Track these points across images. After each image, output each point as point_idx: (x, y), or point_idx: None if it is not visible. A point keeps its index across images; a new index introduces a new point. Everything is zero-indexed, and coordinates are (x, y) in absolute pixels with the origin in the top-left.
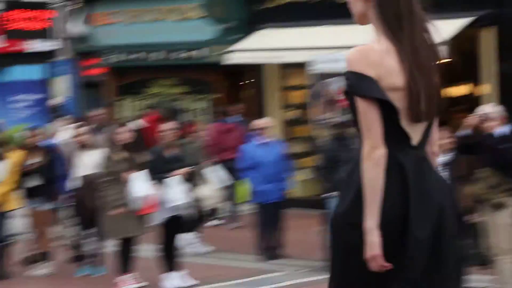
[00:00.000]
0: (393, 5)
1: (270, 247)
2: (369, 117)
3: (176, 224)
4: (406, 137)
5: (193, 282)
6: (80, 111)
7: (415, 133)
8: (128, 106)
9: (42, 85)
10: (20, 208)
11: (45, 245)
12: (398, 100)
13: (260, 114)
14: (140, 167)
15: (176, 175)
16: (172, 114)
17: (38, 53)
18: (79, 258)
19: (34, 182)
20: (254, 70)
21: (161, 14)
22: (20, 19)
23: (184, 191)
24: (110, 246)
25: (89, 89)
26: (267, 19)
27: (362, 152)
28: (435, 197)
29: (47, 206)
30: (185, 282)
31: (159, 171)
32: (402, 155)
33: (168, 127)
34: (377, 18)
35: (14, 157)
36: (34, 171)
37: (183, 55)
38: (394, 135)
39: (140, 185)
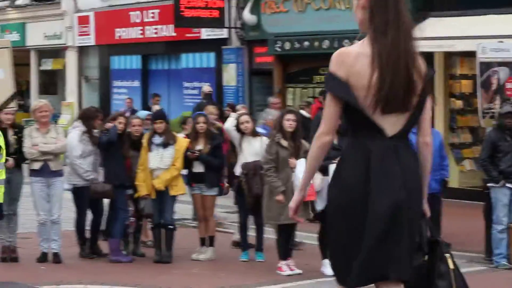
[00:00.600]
0: (382, 12)
1: None
2: (329, 109)
3: None
4: (376, 128)
5: None
6: (249, 98)
7: (389, 125)
8: (294, 95)
9: (212, 73)
10: (185, 193)
11: (209, 230)
12: (364, 97)
13: None
14: (304, 154)
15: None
16: None
17: (210, 40)
18: (242, 244)
19: (199, 168)
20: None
21: (330, 3)
22: (196, 7)
23: None
24: (272, 232)
25: (258, 77)
26: (435, 8)
27: (316, 133)
28: (397, 179)
29: (212, 192)
30: None
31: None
32: (371, 143)
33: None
34: (368, 23)
35: (181, 143)
36: (200, 158)
37: (350, 43)
38: (365, 126)
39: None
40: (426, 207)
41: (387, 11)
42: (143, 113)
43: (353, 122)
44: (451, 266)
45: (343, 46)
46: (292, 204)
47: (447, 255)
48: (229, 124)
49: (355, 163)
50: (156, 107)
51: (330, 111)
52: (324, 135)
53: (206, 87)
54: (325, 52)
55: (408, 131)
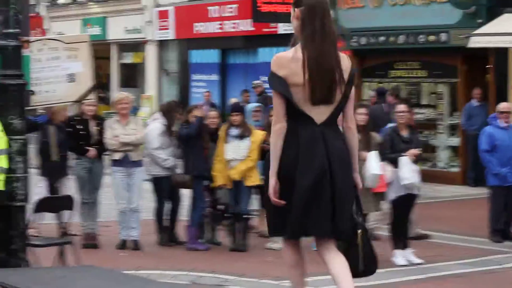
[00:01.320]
0: (310, 23)
1: (501, 229)
2: (275, 102)
3: (407, 203)
4: (307, 117)
5: (419, 260)
6: None
7: (319, 114)
8: (370, 89)
9: None
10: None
11: None
12: (299, 92)
13: (501, 99)
14: (374, 147)
15: (408, 155)
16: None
17: (287, 35)
18: None
19: None
20: (496, 54)
21: None
22: (273, 2)
23: (415, 171)
24: None
25: None
26: (509, 4)
27: (272, 123)
28: (321, 158)
29: None
30: (412, 260)
31: (393, 151)
32: (302, 128)
33: (402, 109)
34: (298, 32)
35: (257, 135)
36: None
37: (425, 38)
38: (297, 115)
39: (375, 164)
40: (358, 180)
41: (314, 22)
42: (252, 106)
43: (290, 112)
44: (359, 241)
45: (418, 41)
46: (270, 189)
47: (359, 231)
48: None
49: (290, 145)
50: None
51: (276, 104)
52: (276, 123)
53: (259, 82)
54: (401, 47)
55: (335, 118)
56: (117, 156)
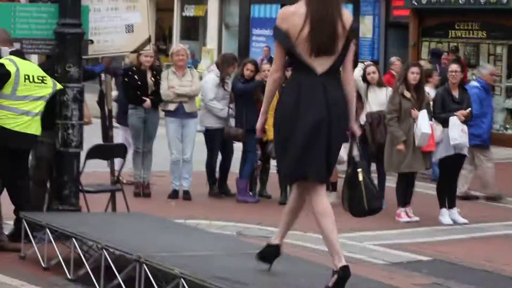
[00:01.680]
0: None
1: None
2: (276, 52)
3: (455, 163)
4: (308, 67)
5: (463, 220)
6: (384, 51)
7: (320, 65)
8: (429, 48)
9: None
10: None
11: (334, 175)
12: (301, 43)
13: None
14: (426, 106)
15: (458, 115)
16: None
17: None
18: None
19: None
20: None
21: None
22: None
23: (464, 131)
24: (392, 179)
25: (394, 30)
26: None
27: (270, 71)
28: (321, 108)
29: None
30: (457, 219)
31: (444, 111)
32: (303, 77)
33: (455, 69)
34: None
35: None
36: None
37: None
38: (300, 66)
39: (425, 123)
40: (355, 128)
41: None
42: None
43: (293, 63)
44: (360, 178)
45: (479, 2)
46: (258, 126)
47: (359, 169)
48: (356, 74)
49: (290, 92)
50: None
51: (277, 54)
52: (274, 72)
53: None
54: (461, 8)
55: (335, 69)
56: (172, 107)
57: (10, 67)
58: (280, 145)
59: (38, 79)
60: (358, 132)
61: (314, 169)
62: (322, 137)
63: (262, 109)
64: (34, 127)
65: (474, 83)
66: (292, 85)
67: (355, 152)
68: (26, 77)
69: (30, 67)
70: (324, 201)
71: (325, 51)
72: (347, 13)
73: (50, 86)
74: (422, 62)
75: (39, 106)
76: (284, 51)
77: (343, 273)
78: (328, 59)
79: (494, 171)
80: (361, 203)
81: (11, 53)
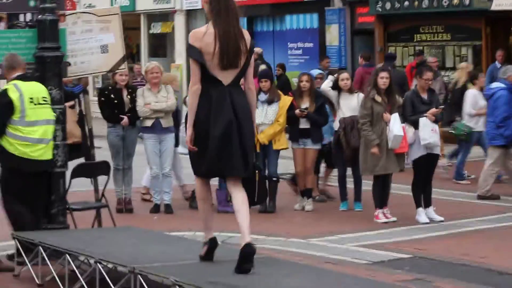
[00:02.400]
0: (216, 5)
1: None
2: (192, 68)
3: (428, 163)
4: (217, 79)
5: (440, 218)
6: (351, 57)
7: (226, 77)
8: (396, 53)
9: (316, 33)
10: (287, 148)
11: (308, 183)
12: (210, 59)
13: None
14: (397, 109)
15: (428, 116)
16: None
17: (313, 2)
18: (341, 194)
19: (306, 124)
20: None
21: None
22: None
23: (435, 131)
24: (368, 182)
25: (359, 37)
26: None
27: (189, 85)
28: (229, 112)
29: (316, 146)
30: (433, 218)
31: (414, 113)
32: (212, 89)
33: (430, 77)
34: (209, 12)
35: (284, 100)
36: (308, 116)
37: (449, 2)
38: (210, 78)
39: (397, 125)
40: (254, 128)
41: (220, 4)
42: (314, 72)
43: (204, 76)
44: (257, 178)
45: (442, 5)
46: (187, 138)
47: (257, 171)
48: (325, 85)
49: (203, 103)
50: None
51: (193, 69)
52: (194, 85)
53: (258, 49)
54: (425, 12)
55: (239, 80)
56: (149, 123)
57: (13, 94)
58: (198, 149)
59: (43, 100)
60: (255, 132)
61: (231, 167)
62: (234, 136)
63: (188, 122)
64: (49, 153)
65: (498, 85)
66: (204, 97)
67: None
68: (31, 100)
69: (34, 89)
70: (242, 192)
71: (231, 65)
72: (247, 33)
73: None
74: (463, 64)
75: (50, 130)
76: (199, 66)
77: (249, 249)
78: (233, 72)
79: None
80: (252, 196)
81: (16, 77)
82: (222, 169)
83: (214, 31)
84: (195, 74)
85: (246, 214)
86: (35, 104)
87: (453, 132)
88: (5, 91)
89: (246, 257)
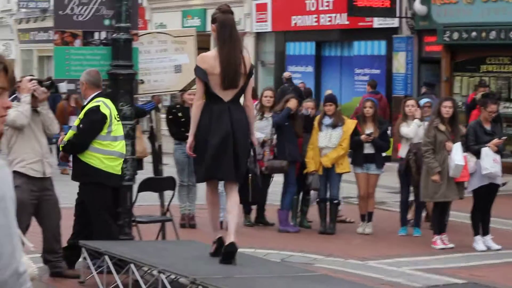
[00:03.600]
0: (222, 34)
1: None
2: (198, 86)
3: (488, 192)
4: (218, 97)
5: (497, 246)
6: (417, 86)
7: (226, 95)
8: (461, 83)
9: (383, 60)
10: (350, 172)
11: (370, 206)
12: (214, 79)
13: None
14: (460, 138)
15: (490, 146)
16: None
17: (381, 29)
18: (401, 220)
19: (370, 149)
20: None
21: None
22: None
23: (497, 161)
24: (428, 209)
25: (426, 65)
26: None
27: (194, 100)
28: (227, 125)
29: (378, 171)
30: (491, 246)
31: (477, 143)
32: (214, 104)
33: (494, 109)
34: (215, 39)
35: (349, 125)
36: (374, 141)
37: None
38: (212, 96)
39: (459, 154)
40: (254, 139)
41: (225, 33)
42: (423, 101)
43: (208, 93)
44: (249, 182)
45: (509, 37)
46: (188, 145)
47: (250, 174)
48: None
49: (205, 116)
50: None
51: (198, 87)
52: (197, 100)
53: (287, 73)
54: (492, 43)
55: (238, 98)
56: None
57: (105, 110)
58: (198, 156)
59: (117, 116)
60: (255, 143)
61: (223, 171)
62: (229, 146)
63: (190, 131)
64: (120, 168)
65: None
66: (206, 110)
67: (251, 159)
68: (115, 117)
69: (113, 105)
70: (236, 197)
71: (230, 86)
72: (247, 58)
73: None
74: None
75: (124, 145)
76: (203, 84)
77: (232, 247)
78: (233, 91)
79: None
80: (247, 197)
81: (98, 95)
82: (216, 173)
83: (219, 56)
84: (199, 91)
85: (236, 216)
86: (117, 121)
87: None
88: (97, 108)
89: (229, 253)
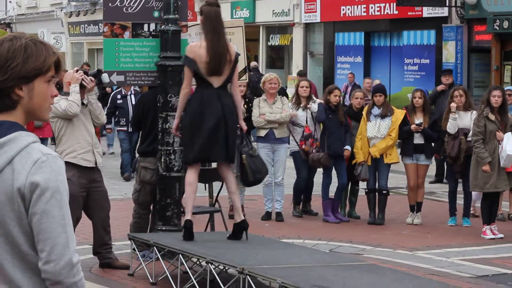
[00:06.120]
0: (208, 25)
1: None
2: (185, 74)
3: None
4: (208, 83)
5: None
6: (467, 75)
7: (216, 81)
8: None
9: (432, 50)
10: (398, 162)
11: (419, 196)
12: (203, 68)
13: None
14: (510, 128)
15: None
16: None
17: (431, 18)
18: (450, 210)
19: (420, 140)
20: None
21: None
22: None
23: None
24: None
25: (476, 54)
26: None
27: (182, 88)
28: (218, 108)
29: (428, 162)
30: None
31: None
32: (204, 90)
33: None
34: (203, 30)
35: (397, 115)
36: (424, 131)
37: None
38: (202, 82)
39: (510, 144)
40: (242, 124)
41: (210, 24)
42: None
43: (198, 80)
44: (244, 161)
45: None
46: (173, 126)
47: (243, 156)
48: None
49: (195, 101)
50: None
51: (186, 75)
52: (185, 88)
53: (253, 63)
54: None
55: (226, 84)
56: (263, 133)
57: None
58: (187, 138)
59: None
60: (244, 127)
61: (217, 153)
62: (221, 129)
63: (177, 113)
64: None
65: None
66: (197, 95)
67: (244, 142)
68: None
69: None
70: (231, 175)
71: (217, 72)
72: (232, 47)
73: None
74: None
75: None
76: (191, 73)
77: (244, 224)
78: (220, 78)
79: None
80: (248, 176)
81: None
82: (209, 154)
83: (206, 45)
84: (187, 79)
85: (236, 190)
86: None
87: None
88: None
89: (240, 230)
